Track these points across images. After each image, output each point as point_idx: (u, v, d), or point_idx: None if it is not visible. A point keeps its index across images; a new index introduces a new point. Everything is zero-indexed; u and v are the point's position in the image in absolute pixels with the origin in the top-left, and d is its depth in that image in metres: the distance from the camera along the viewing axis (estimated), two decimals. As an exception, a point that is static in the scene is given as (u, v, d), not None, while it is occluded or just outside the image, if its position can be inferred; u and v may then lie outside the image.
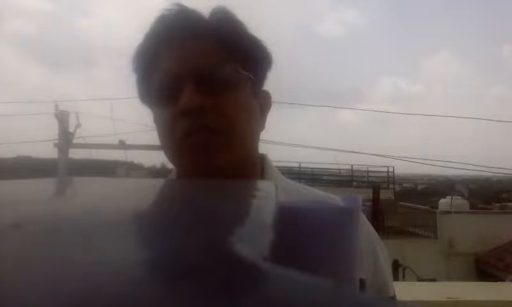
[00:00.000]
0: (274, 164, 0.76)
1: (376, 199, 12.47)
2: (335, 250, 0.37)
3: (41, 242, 0.26)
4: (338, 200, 0.55)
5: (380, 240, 0.74)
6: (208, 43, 0.64)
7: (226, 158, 0.63)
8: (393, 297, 0.72)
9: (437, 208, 15.35)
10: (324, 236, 0.36)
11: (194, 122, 0.61)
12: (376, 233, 0.74)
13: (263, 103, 0.71)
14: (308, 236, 0.35)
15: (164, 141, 0.66)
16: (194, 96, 0.61)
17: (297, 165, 17.60)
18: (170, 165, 0.71)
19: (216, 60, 0.64)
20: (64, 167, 8.64)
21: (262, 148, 0.73)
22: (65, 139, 8.84)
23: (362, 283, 0.61)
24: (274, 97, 0.73)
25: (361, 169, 18.43)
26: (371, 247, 0.70)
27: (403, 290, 2.45)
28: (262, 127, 0.71)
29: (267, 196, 0.38)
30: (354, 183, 18.19)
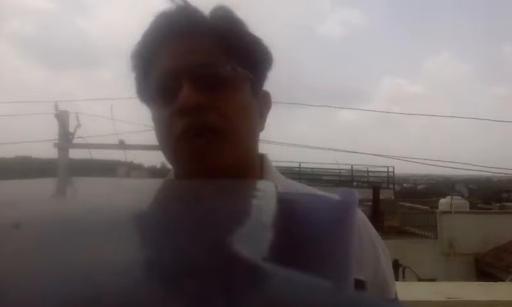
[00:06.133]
0: (274, 164, 0.75)
1: (375, 199, 12.43)
2: (329, 245, 0.37)
3: (41, 242, 0.26)
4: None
5: (381, 241, 0.73)
6: (207, 41, 0.64)
7: (224, 158, 0.62)
8: (395, 299, 0.71)
9: (437, 208, 15.32)
10: (320, 231, 0.36)
11: (193, 120, 0.61)
12: (377, 234, 0.74)
13: (262, 103, 0.70)
14: (303, 229, 0.35)
15: (161, 140, 0.66)
16: (192, 94, 0.60)
17: (297, 165, 17.60)
18: (170, 166, 0.71)
19: (214, 58, 0.63)
20: (64, 167, 8.62)
21: (262, 148, 0.73)
22: (65, 139, 8.81)
23: (362, 284, 0.60)
24: (274, 97, 0.73)
25: (361, 169, 18.44)
26: (372, 248, 0.69)
27: (403, 290, 2.44)
28: (261, 127, 0.70)
29: (267, 196, 0.37)
30: (354, 183, 18.17)
